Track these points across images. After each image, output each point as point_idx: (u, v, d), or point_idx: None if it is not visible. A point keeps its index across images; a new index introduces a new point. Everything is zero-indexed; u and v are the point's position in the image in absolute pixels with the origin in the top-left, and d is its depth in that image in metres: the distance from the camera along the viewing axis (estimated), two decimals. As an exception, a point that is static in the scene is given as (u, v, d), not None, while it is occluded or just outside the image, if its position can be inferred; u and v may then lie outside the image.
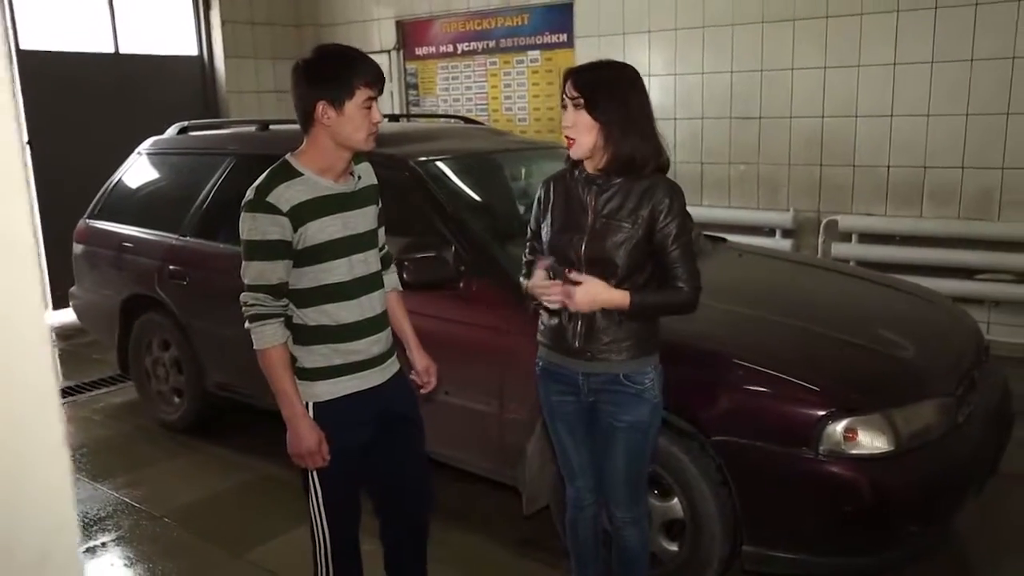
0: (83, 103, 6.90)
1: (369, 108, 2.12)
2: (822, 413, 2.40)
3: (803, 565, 2.55)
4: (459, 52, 7.36)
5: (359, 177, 2.26)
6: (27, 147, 6.69)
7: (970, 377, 2.84)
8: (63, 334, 6.41)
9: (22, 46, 6.61)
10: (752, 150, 5.86)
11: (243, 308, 2.14)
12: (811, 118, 5.57)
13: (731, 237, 5.81)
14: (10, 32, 6.55)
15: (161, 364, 4.41)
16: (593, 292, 2.17)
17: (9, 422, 0.59)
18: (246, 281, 2.13)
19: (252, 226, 2.09)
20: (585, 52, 6.46)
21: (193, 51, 7.75)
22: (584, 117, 2.18)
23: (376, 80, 2.14)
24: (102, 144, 6.22)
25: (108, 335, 4.71)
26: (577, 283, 2.17)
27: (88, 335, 5.87)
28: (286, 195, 2.09)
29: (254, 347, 2.14)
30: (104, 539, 3.38)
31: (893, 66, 5.21)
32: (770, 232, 5.81)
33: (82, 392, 5.14)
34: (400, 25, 7.64)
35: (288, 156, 2.18)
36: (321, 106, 2.09)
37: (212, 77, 7.81)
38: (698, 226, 5.71)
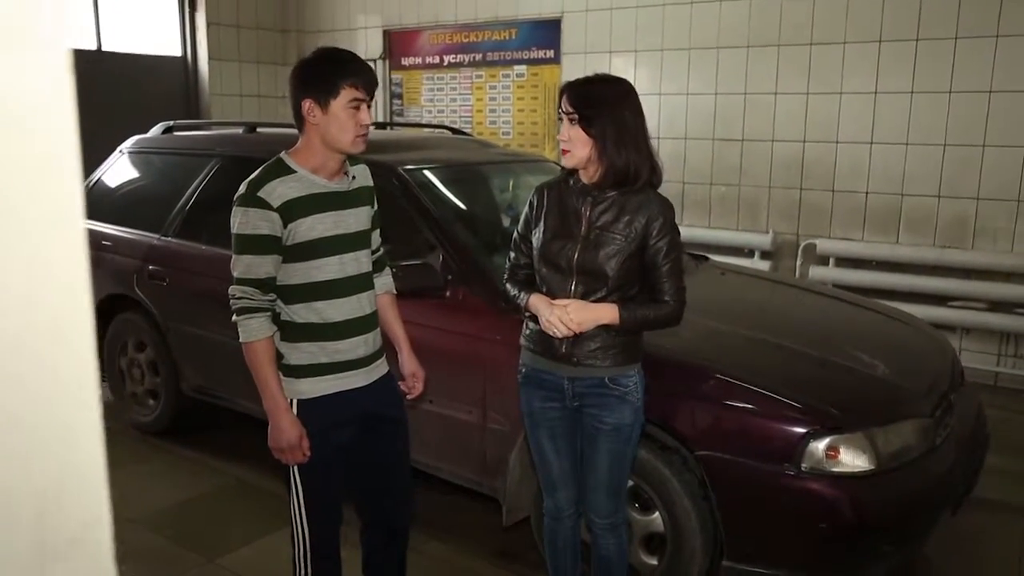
0: (63, 100, 6.81)
1: (356, 109, 2.14)
2: (805, 430, 2.43)
3: (783, 582, 2.57)
4: (445, 64, 7.38)
5: (353, 177, 2.28)
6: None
7: (947, 400, 2.89)
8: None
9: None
10: (734, 172, 5.93)
11: (231, 301, 2.15)
12: (793, 142, 5.65)
13: (711, 257, 5.90)
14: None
15: (136, 365, 4.35)
16: (584, 308, 2.20)
17: (46, 405, 0.59)
18: (235, 274, 2.15)
19: (243, 220, 2.11)
20: (571, 69, 6.51)
21: (177, 52, 7.69)
22: (578, 132, 2.21)
23: (364, 83, 2.16)
24: (82, 141, 6.13)
25: (82, 334, 4.63)
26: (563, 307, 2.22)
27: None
28: (278, 191, 2.11)
29: (240, 340, 2.15)
30: (73, 541, 3.31)
31: (874, 95, 5.31)
32: (749, 253, 5.87)
33: (52, 392, 5.05)
34: (387, 34, 7.65)
35: (283, 153, 2.20)
36: (307, 104, 2.13)
37: (195, 79, 7.75)
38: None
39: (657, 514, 2.70)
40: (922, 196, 5.27)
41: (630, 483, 2.60)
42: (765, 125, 5.74)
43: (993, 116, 4.96)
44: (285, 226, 2.11)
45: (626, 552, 2.51)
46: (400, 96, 7.75)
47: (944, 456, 2.70)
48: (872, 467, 2.44)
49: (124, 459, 4.12)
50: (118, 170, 4.60)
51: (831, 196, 5.57)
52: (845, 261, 5.55)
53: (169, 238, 4.07)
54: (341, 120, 2.12)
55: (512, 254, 2.46)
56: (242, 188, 2.14)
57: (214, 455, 4.10)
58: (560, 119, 2.28)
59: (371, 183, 2.39)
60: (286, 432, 2.16)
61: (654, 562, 2.74)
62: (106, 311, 4.38)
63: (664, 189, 6.70)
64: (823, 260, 5.62)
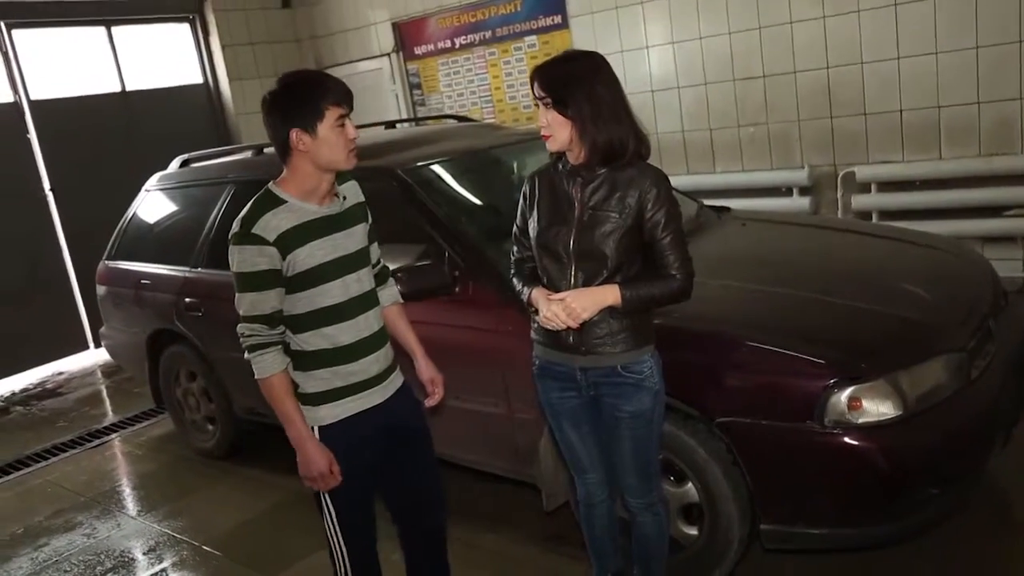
0: (98, 144, 7.03)
1: (343, 126, 2.12)
2: (823, 384, 2.35)
3: (824, 539, 2.51)
4: (457, 46, 7.32)
5: (344, 197, 2.26)
6: (50, 194, 6.86)
7: (985, 327, 2.75)
8: (107, 372, 6.58)
9: (32, 96, 6.76)
10: (759, 110, 5.73)
11: (241, 339, 2.16)
12: (816, 70, 5.42)
13: (747, 201, 5.75)
14: (19, 84, 6.72)
15: (191, 394, 4.50)
16: (583, 294, 2.16)
17: None
18: (241, 312, 2.15)
19: (241, 258, 2.11)
20: (581, 32, 6.37)
21: (198, 79, 7.85)
22: (554, 116, 2.17)
23: (343, 98, 2.14)
24: (121, 181, 6.29)
25: (139, 370, 4.83)
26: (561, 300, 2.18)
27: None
28: (272, 224, 2.09)
29: (255, 376, 2.16)
30: (147, 573, 3.48)
31: (894, 6, 5.03)
32: (787, 191, 5.69)
33: (125, 427, 5.28)
34: (396, 27, 7.63)
35: (270, 184, 2.18)
36: (295, 134, 2.09)
37: (219, 102, 7.91)
38: (710, 194, 5.65)
39: (690, 484, 2.66)
40: (960, 105, 4.99)
41: (660, 456, 2.57)
42: (784, 57, 5.52)
43: (1026, 8, 4.65)
44: (284, 258, 2.11)
45: (665, 529, 2.48)
46: (419, 86, 7.74)
47: (984, 388, 2.57)
48: (900, 413, 2.34)
49: (194, 486, 4.29)
50: (146, 209, 4.74)
51: (864, 120, 5.33)
52: (888, 185, 5.32)
53: (199, 269, 4.17)
54: (331, 141, 2.10)
55: (515, 248, 2.43)
56: (235, 226, 2.13)
57: (273, 471, 4.22)
58: (536, 105, 2.23)
59: (362, 198, 2.36)
60: (315, 461, 2.18)
61: (695, 532, 2.70)
62: (156, 346, 4.55)
63: (691, 138, 6.60)
64: (864, 187, 5.40)
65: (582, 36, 6.33)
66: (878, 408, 2.34)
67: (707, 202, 4.09)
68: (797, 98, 5.54)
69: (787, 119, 5.63)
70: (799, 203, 5.58)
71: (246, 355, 2.16)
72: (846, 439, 2.33)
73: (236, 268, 2.12)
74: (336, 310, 2.20)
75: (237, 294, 2.14)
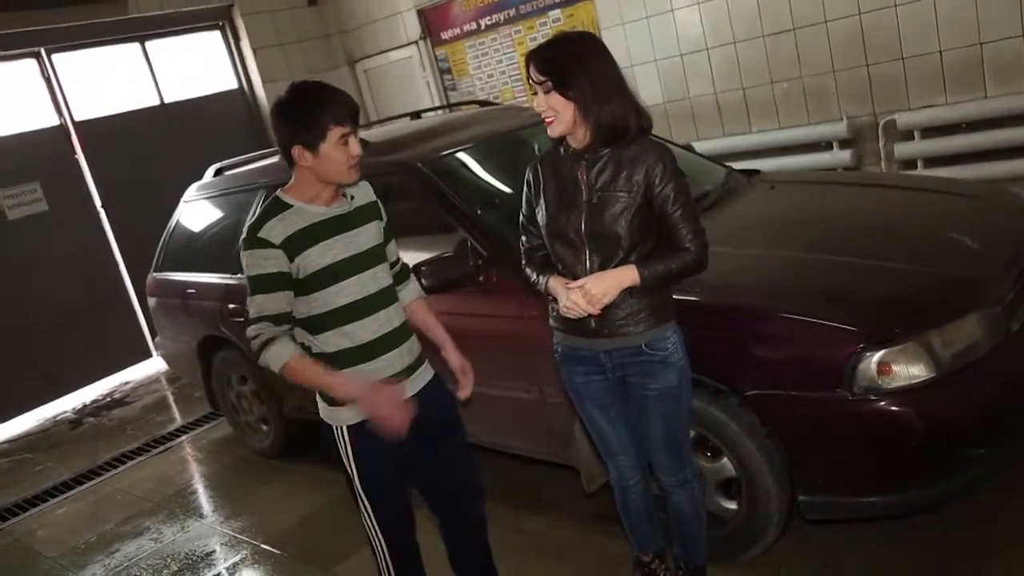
0: (142, 157, 7.18)
1: (346, 144, 2.15)
2: (851, 351, 2.28)
3: (865, 507, 2.45)
4: (483, 28, 7.28)
5: (352, 197, 2.30)
6: (102, 211, 7.08)
7: (1028, 275, 2.63)
8: (170, 379, 6.79)
9: (76, 117, 6.96)
10: (792, 64, 5.55)
11: (251, 342, 2.19)
12: (847, 17, 5.21)
13: (787, 159, 5.61)
14: (63, 106, 6.93)
15: (244, 397, 4.62)
16: (601, 279, 2.14)
17: None
18: (250, 314, 2.18)
19: (249, 262, 2.17)
20: (605, 1, 6.25)
21: (233, 84, 7.98)
22: (555, 99, 2.15)
23: (347, 116, 2.15)
24: (168, 192, 6.39)
25: (194, 376, 4.98)
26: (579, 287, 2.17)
27: (187, 377, 6.21)
28: (277, 228, 2.14)
29: (274, 370, 2.15)
30: (210, 574, 3.61)
31: (925, -58, 4.82)
32: (827, 146, 5.51)
33: (187, 432, 5.46)
34: (422, 13, 7.61)
35: (278, 191, 2.24)
36: (297, 150, 2.15)
37: (256, 105, 8.02)
38: (748, 155, 5.52)
39: (726, 459, 2.63)
40: (1004, 40, 4.74)
41: (693, 433, 2.55)
42: (814, 7, 5.32)
43: (1069, -71, 4.40)
44: (292, 260, 2.15)
45: (701, 504, 2.47)
46: (449, 71, 7.73)
47: (1026, 339, 2.47)
48: (933, 374, 2.27)
49: (253, 484, 4.42)
50: (186, 219, 4.86)
51: (901, 64, 5.12)
52: (932, 131, 5.11)
53: (239, 276, 4.26)
54: (334, 158, 2.14)
55: (524, 238, 2.44)
56: (244, 232, 2.20)
57: (328, 467, 4.27)
58: (535, 92, 2.21)
59: (373, 198, 2.38)
60: (379, 406, 2.14)
61: (734, 507, 2.67)
62: (206, 352, 4.68)
63: (724, 99, 6.44)
64: (907, 135, 5.20)
65: (606, 5, 6.20)
66: (909, 371, 2.27)
67: (742, 164, 4.00)
68: (830, 48, 5.35)
69: (821, 71, 5.44)
70: (840, 157, 5.41)
71: (259, 357, 2.17)
72: (879, 405, 2.27)
73: (246, 272, 2.18)
74: (353, 308, 2.23)
75: (248, 297, 2.18)
